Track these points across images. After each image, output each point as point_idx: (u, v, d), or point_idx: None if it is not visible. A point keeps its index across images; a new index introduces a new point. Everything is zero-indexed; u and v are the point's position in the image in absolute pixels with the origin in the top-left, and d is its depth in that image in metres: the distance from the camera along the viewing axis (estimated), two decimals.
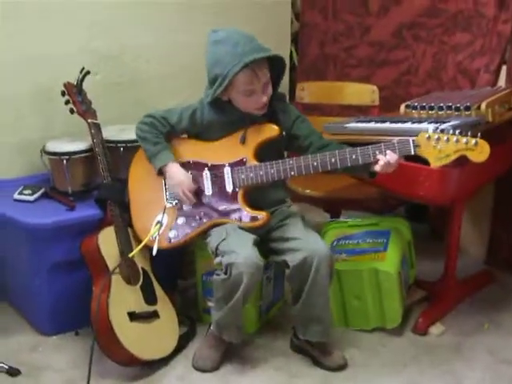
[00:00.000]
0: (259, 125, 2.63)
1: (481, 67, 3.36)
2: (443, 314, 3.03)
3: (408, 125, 2.71)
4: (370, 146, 2.46)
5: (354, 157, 2.47)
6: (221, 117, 2.65)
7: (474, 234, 3.59)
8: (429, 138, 2.38)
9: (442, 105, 2.80)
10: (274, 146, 2.66)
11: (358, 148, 2.48)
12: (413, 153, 2.42)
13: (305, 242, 2.56)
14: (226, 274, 2.50)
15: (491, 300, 3.18)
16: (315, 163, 2.52)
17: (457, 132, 2.35)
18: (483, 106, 2.73)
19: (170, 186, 2.70)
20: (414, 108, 2.90)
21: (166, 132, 2.70)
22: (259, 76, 2.50)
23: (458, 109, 2.75)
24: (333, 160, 2.49)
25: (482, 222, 3.54)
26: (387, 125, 2.78)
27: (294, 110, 2.76)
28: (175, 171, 2.66)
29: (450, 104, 2.78)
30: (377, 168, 2.45)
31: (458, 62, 3.49)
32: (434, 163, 2.39)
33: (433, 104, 2.84)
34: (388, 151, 2.43)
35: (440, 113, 2.81)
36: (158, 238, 2.68)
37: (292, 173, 2.55)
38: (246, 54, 2.45)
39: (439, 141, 2.36)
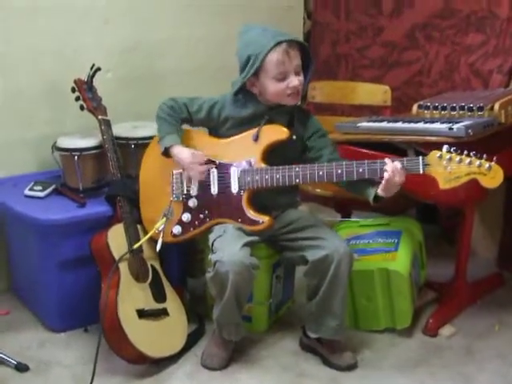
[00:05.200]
0: (270, 126, 2.62)
1: (493, 68, 3.34)
2: (454, 316, 3.01)
3: (420, 125, 2.70)
4: (377, 161, 2.43)
5: (360, 170, 2.45)
6: (239, 113, 2.65)
7: (485, 236, 3.57)
8: (440, 157, 2.32)
9: (454, 105, 2.79)
10: (285, 151, 2.65)
11: (366, 161, 2.45)
12: (421, 172, 2.36)
13: (326, 240, 2.56)
14: (213, 271, 2.50)
15: (502, 302, 3.16)
16: (321, 172, 2.50)
17: (471, 153, 2.30)
18: (496, 106, 2.72)
19: (180, 165, 2.65)
20: (427, 108, 2.89)
21: (183, 118, 2.71)
22: (291, 56, 2.50)
23: (470, 109, 2.74)
24: (339, 171, 2.47)
25: (493, 225, 3.53)
26: (399, 124, 2.77)
27: (317, 123, 2.73)
28: (180, 151, 2.63)
29: (463, 104, 2.77)
30: (379, 192, 2.43)
31: (471, 63, 3.48)
32: (443, 185, 2.33)
33: (445, 104, 2.83)
34: (395, 163, 2.38)
35: (453, 113, 2.80)
36: (163, 231, 2.67)
37: (297, 180, 2.54)
38: (278, 35, 2.51)
39: (451, 161, 2.30)
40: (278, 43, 2.48)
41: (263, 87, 2.58)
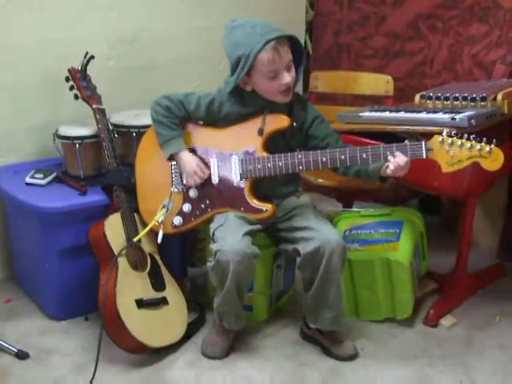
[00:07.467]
0: (271, 115, 2.60)
1: (497, 59, 3.33)
2: (454, 307, 3.01)
3: (423, 115, 2.69)
4: (381, 146, 2.43)
5: (364, 156, 2.44)
6: (239, 109, 2.62)
7: (486, 227, 3.56)
8: (442, 141, 2.33)
9: (457, 95, 2.78)
10: (285, 139, 2.63)
11: (369, 147, 2.45)
12: (424, 156, 2.38)
13: (317, 232, 2.54)
14: (214, 260, 2.49)
15: (503, 293, 3.16)
16: (324, 159, 2.49)
17: (471, 137, 2.31)
18: (499, 97, 2.71)
19: (184, 175, 2.66)
20: (429, 98, 2.88)
21: (181, 117, 2.67)
22: (281, 54, 2.45)
23: (473, 99, 2.73)
24: (342, 157, 2.46)
25: (494, 216, 3.52)
26: (401, 114, 2.76)
27: (314, 109, 2.71)
28: (188, 160, 2.64)
29: (466, 95, 2.76)
30: (387, 172, 2.43)
31: (474, 53, 3.47)
32: (446, 169, 2.35)
33: (448, 94, 2.82)
34: (398, 153, 2.40)
35: (455, 103, 2.79)
36: (163, 222, 2.67)
37: (300, 167, 2.53)
38: (266, 33, 2.43)
39: (452, 145, 2.31)
40: (267, 42, 2.42)
41: (256, 85, 2.55)
